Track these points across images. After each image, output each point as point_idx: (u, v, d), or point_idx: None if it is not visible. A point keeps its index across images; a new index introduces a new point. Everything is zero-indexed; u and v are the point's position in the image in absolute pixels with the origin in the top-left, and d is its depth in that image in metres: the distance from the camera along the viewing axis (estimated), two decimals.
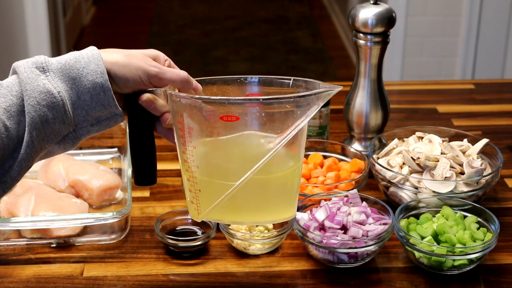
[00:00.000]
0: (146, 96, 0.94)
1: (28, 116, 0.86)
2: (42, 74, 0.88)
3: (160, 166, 1.41)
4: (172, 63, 0.99)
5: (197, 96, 0.95)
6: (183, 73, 0.95)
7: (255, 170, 0.91)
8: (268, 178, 0.95)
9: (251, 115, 0.93)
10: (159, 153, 1.44)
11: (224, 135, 0.95)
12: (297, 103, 0.91)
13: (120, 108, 0.92)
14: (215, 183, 0.93)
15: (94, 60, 0.89)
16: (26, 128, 0.86)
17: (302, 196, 1.19)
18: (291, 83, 0.99)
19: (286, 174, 0.96)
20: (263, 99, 0.92)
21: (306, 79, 0.98)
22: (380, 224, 1.12)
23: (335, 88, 0.92)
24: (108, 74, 0.90)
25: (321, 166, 1.31)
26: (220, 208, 0.96)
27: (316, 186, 1.23)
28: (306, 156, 1.34)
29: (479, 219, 1.13)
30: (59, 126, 0.89)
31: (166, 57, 0.98)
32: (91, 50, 0.91)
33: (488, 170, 1.25)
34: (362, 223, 1.11)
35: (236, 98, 0.96)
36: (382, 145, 1.34)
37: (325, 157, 1.34)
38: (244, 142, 0.95)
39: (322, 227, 1.12)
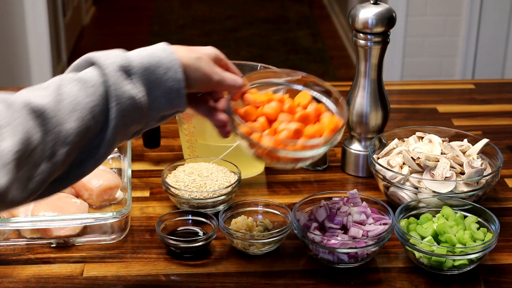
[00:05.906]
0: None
1: (115, 120, 0.88)
2: (127, 78, 0.89)
3: (161, 166, 1.41)
4: (228, 62, 1.01)
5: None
6: (240, 81, 1.00)
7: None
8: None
9: None
10: (159, 153, 1.45)
11: None
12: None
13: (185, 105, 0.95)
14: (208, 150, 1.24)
15: (174, 67, 0.91)
16: (111, 130, 0.88)
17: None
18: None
19: None
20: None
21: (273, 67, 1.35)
22: (380, 224, 1.12)
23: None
24: None
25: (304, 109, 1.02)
26: None
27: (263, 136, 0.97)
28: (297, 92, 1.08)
29: (479, 219, 1.13)
30: (134, 127, 0.92)
31: (222, 56, 1.01)
32: (170, 54, 0.92)
33: (488, 170, 1.25)
34: (362, 223, 1.11)
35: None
36: (382, 145, 1.34)
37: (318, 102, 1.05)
38: None
39: (322, 227, 1.12)
